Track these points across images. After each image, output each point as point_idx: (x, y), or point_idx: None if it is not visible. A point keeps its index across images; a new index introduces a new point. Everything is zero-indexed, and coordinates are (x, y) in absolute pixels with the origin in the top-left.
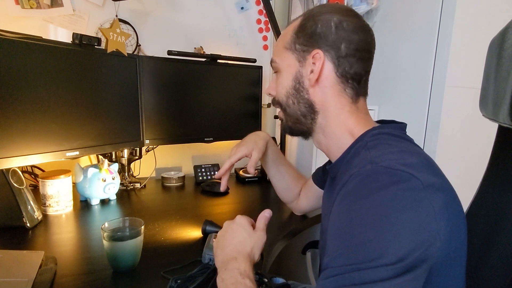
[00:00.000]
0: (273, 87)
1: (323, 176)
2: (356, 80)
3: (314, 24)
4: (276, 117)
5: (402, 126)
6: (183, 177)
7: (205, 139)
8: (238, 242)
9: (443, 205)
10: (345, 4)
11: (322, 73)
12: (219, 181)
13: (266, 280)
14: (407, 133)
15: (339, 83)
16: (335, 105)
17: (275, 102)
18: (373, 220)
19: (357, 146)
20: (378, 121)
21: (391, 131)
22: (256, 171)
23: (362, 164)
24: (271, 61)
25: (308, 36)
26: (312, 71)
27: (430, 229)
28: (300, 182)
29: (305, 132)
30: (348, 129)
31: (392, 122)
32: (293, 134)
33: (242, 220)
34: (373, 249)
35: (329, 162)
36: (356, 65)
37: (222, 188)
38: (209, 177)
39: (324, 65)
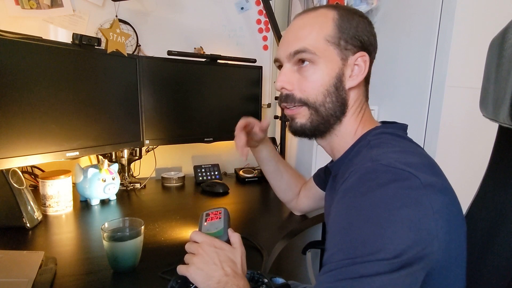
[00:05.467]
0: (290, 81)
1: (324, 177)
2: (369, 81)
3: (355, 22)
4: (276, 117)
5: (404, 126)
6: (183, 177)
7: (205, 139)
8: (229, 263)
9: (443, 205)
10: (345, 3)
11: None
12: (219, 181)
13: (266, 280)
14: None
15: (365, 85)
16: (358, 106)
17: (295, 100)
18: (371, 217)
19: (360, 144)
20: (380, 122)
21: (394, 131)
22: (256, 171)
23: (363, 162)
24: (302, 50)
25: (352, 34)
26: (352, 71)
27: (429, 228)
28: (299, 181)
29: (321, 133)
30: (355, 128)
31: (394, 123)
32: (306, 135)
33: (216, 242)
34: (371, 244)
35: (331, 161)
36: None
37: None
38: (209, 177)
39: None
